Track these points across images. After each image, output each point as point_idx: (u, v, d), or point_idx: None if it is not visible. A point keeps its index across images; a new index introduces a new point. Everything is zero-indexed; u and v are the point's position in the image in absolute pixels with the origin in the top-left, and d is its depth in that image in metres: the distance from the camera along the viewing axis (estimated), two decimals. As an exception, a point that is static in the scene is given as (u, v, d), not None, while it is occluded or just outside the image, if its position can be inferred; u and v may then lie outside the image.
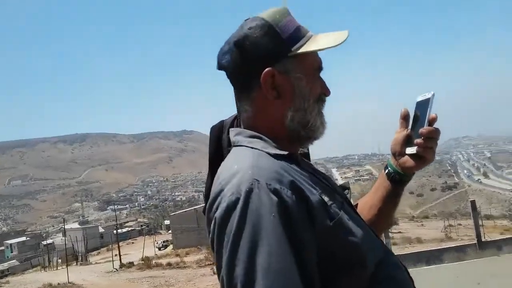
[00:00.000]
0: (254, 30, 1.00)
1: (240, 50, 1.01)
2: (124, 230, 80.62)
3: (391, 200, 1.20)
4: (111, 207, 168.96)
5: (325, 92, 1.08)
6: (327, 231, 0.90)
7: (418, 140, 1.09)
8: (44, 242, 67.55)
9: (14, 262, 60.57)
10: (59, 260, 46.54)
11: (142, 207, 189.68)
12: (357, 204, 1.24)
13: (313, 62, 1.06)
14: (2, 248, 74.84)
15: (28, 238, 78.81)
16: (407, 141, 1.14)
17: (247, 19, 1.05)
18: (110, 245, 49.06)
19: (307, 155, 1.16)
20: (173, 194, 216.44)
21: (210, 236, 0.92)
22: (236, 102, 1.08)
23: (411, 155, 1.13)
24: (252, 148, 0.98)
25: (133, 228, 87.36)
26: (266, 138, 1.00)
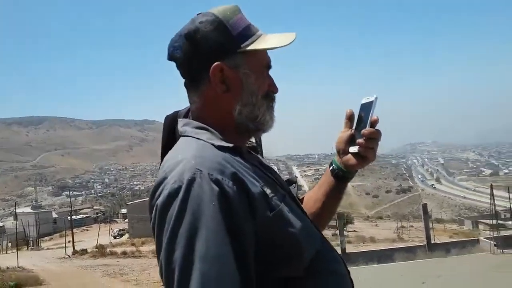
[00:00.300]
0: (205, 25, 1.03)
1: (190, 43, 1.04)
2: (79, 216, 78.93)
3: (334, 195, 1.26)
4: (66, 193, 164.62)
5: (273, 89, 1.11)
6: (267, 222, 0.92)
7: (360, 140, 1.15)
8: (-6, 225, 65.45)
9: (-40, 243, 58.41)
10: (9, 244, 45.23)
11: (99, 194, 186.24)
12: (303, 198, 1.29)
13: (262, 59, 1.09)
14: None
15: (-23, 220, 76.08)
16: (351, 140, 1.20)
17: (198, 14, 1.08)
18: (64, 231, 47.99)
19: (255, 148, 1.18)
20: (131, 183, 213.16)
21: (151, 222, 0.93)
22: (187, 94, 1.11)
23: (353, 154, 1.19)
24: (197, 139, 1.01)
25: (88, 215, 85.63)
26: (212, 130, 1.03)
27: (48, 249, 42.31)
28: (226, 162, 0.94)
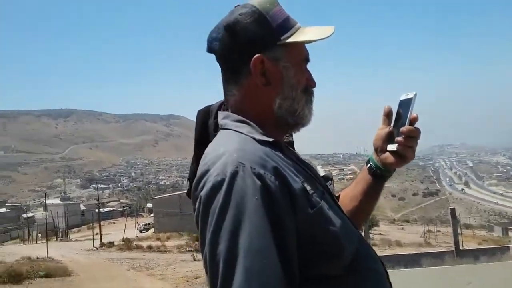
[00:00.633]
0: (245, 16, 1.02)
1: (230, 35, 1.02)
2: (106, 209, 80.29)
3: (371, 193, 1.24)
4: (93, 185, 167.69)
5: (311, 83, 1.10)
6: (307, 219, 0.92)
7: (399, 138, 1.11)
8: (25, 215, 67.14)
9: (-8, 233, 60.16)
10: (39, 234, 46.34)
11: (125, 188, 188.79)
12: (338, 195, 1.27)
13: (301, 53, 1.08)
14: (-19, 217, 74.16)
15: (8, 210, 78.36)
16: (389, 137, 1.17)
17: (237, 5, 1.07)
18: (91, 224, 48.88)
19: (291, 144, 1.18)
20: (157, 177, 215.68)
21: (195, 213, 0.95)
22: (224, 86, 1.09)
23: (392, 152, 1.16)
24: (238, 132, 1.01)
25: (115, 209, 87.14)
26: (252, 124, 1.02)
27: (76, 240, 43.24)
28: (268, 156, 0.94)
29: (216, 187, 0.89)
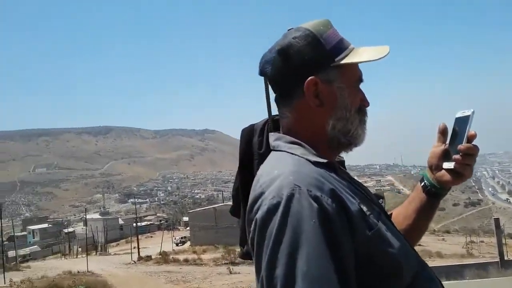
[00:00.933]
0: (299, 40, 1.03)
1: (284, 58, 1.04)
2: (143, 223, 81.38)
3: (426, 212, 1.22)
4: (131, 200, 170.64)
5: (365, 103, 1.10)
6: (365, 241, 0.91)
7: (457, 156, 1.09)
8: (66, 230, 69.08)
9: (35, 247, 62.00)
10: (79, 249, 47.49)
11: (162, 202, 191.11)
12: (391, 213, 1.25)
13: (355, 73, 1.08)
14: (25, 233, 76.65)
15: (50, 225, 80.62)
16: (444, 155, 1.15)
17: (290, 29, 1.08)
18: (129, 238, 49.72)
19: (343, 163, 1.17)
20: (192, 191, 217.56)
21: (251, 236, 0.94)
22: (278, 108, 1.11)
23: (448, 170, 1.13)
24: (292, 154, 1.00)
25: (152, 223, 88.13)
26: (306, 145, 1.02)
27: (115, 254, 43.95)
28: (323, 178, 0.93)
29: (272, 210, 0.88)
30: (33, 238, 73.08)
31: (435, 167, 1.18)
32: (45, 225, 79.69)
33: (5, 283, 19.72)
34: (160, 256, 31.47)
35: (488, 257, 21.78)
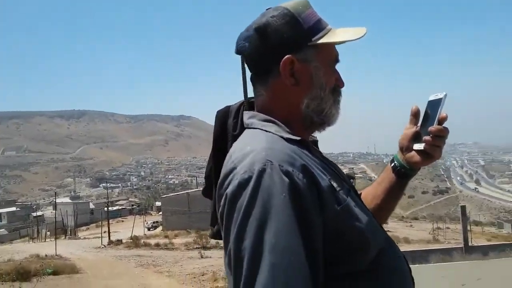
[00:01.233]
0: (277, 19, 1.03)
1: (261, 36, 1.04)
2: (115, 208, 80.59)
3: (394, 192, 1.25)
4: (103, 184, 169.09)
5: (340, 84, 1.11)
6: (334, 216, 0.92)
7: (427, 137, 1.12)
8: (34, 214, 67.71)
9: (2, 231, 60.84)
10: (48, 233, 46.67)
11: (134, 187, 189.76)
12: (360, 193, 1.25)
13: (331, 53, 1.09)
14: (-8, 216, 74.99)
15: (18, 209, 79.25)
16: (416, 137, 1.17)
17: (269, 8, 1.08)
18: (100, 222, 49.11)
19: (316, 143, 1.18)
20: (166, 176, 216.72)
21: (220, 210, 0.94)
22: (253, 87, 1.11)
23: (418, 151, 1.16)
24: (266, 131, 1.01)
25: (124, 207, 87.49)
26: (279, 123, 1.03)
27: (84, 238, 43.38)
28: (295, 154, 0.94)
29: (243, 184, 0.88)
30: (0, 221, 71.61)
31: (406, 149, 1.20)
32: (13, 209, 78.25)
33: (-31, 266, 19.20)
34: (131, 240, 31.25)
35: (453, 243, 22.43)
